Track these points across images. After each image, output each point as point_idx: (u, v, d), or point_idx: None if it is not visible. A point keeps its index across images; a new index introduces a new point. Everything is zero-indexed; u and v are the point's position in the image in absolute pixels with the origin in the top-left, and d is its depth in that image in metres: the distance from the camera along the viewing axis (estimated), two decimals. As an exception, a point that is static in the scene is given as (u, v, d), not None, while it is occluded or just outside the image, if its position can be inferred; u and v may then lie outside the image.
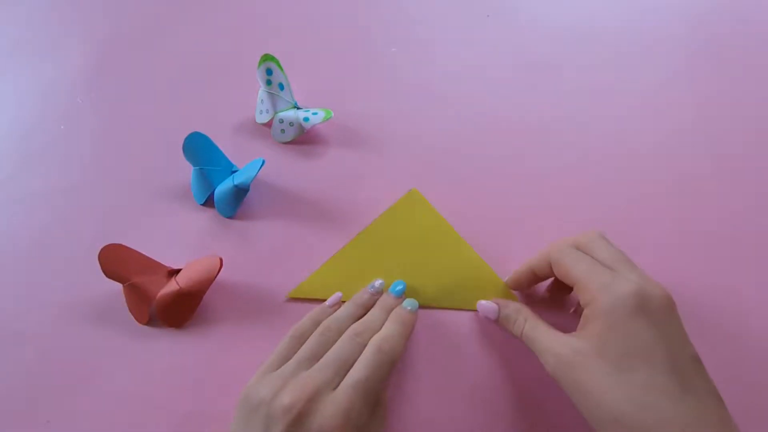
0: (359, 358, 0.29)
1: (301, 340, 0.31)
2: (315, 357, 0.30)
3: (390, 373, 0.29)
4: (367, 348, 0.29)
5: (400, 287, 0.34)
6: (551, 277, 0.31)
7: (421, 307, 0.35)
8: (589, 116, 0.44)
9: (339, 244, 0.38)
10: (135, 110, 0.49)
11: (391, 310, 0.33)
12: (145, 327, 0.36)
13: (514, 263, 0.35)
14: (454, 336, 0.35)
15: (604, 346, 0.25)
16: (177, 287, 0.35)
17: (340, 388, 0.27)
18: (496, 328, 0.34)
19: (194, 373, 0.34)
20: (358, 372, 0.28)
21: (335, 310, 0.34)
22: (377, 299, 0.34)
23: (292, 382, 0.28)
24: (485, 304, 0.33)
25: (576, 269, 0.28)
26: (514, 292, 0.35)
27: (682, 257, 0.37)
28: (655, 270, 0.36)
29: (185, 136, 0.41)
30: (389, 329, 0.31)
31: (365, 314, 0.33)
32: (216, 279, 0.36)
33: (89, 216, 0.43)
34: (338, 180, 0.42)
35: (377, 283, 0.35)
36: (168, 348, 0.35)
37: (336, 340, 0.31)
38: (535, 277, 0.32)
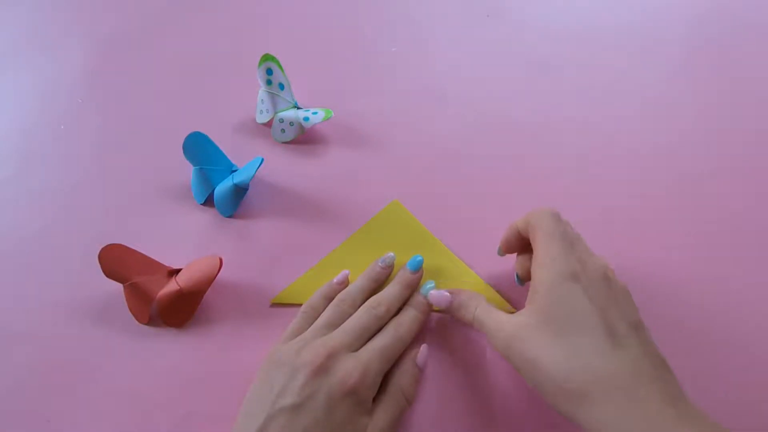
0: (380, 333, 0.31)
1: (314, 314, 0.33)
2: (332, 325, 0.32)
3: (400, 353, 0.31)
4: (386, 326, 0.32)
5: (419, 258, 0.35)
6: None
7: None
8: (589, 116, 0.45)
9: (338, 244, 0.38)
10: (135, 110, 0.49)
11: (408, 284, 0.34)
12: (146, 327, 0.36)
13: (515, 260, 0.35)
14: (444, 340, 0.35)
15: (546, 317, 0.26)
16: (177, 287, 0.35)
17: (362, 349, 0.30)
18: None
19: (194, 373, 0.34)
20: (379, 341, 0.31)
21: (343, 287, 0.35)
22: (388, 273, 0.36)
23: (312, 342, 0.30)
24: (436, 294, 0.33)
25: (536, 235, 0.29)
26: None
27: (682, 257, 0.36)
28: (655, 269, 0.36)
29: (185, 136, 0.41)
30: (408, 313, 0.33)
31: (377, 288, 0.35)
32: (216, 279, 0.36)
33: (89, 216, 0.42)
34: (338, 180, 0.42)
35: (388, 256, 0.36)
36: (168, 348, 0.35)
37: (351, 313, 0.33)
38: (521, 239, 0.32)
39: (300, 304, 0.35)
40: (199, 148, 0.42)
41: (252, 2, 0.57)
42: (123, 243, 0.37)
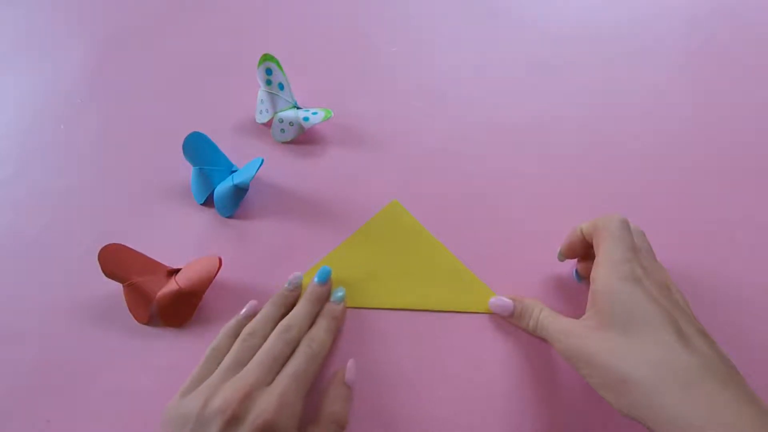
0: (293, 356, 0.30)
1: (220, 356, 0.31)
2: (241, 363, 0.29)
3: (321, 367, 0.31)
4: (299, 347, 0.30)
5: (326, 269, 0.35)
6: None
7: (408, 309, 0.35)
8: (588, 116, 0.44)
9: (338, 244, 0.38)
10: (135, 110, 0.49)
11: (317, 298, 0.34)
12: (145, 327, 0.36)
13: (516, 261, 0.35)
14: (440, 338, 0.35)
15: (609, 318, 0.26)
16: (177, 287, 0.35)
17: (276, 381, 0.28)
18: (486, 331, 0.34)
19: (194, 372, 0.34)
20: (291, 365, 0.29)
21: (250, 321, 0.33)
22: (297, 296, 0.35)
23: (222, 387, 0.27)
24: (499, 301, 0.33)
25: (599, 238, 0.29)
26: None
27: (682, 256, 0.36)
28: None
29: (185, 136, 0.41)
30: (319, 325, 0.32)
31: (286, 313, 0.33)
32: (215, 279, 0.36)
33: (89, 216, 0.43)
34: (338, 180, 0.42)
35: (293, 277, 0.35)
36: (168, 348, 0.35)
37: (260, 345, 0.31)
38: (584, 243, 0.32)
39: None
40: (199, 148, 0.42)
41: (252, 2, 0.57)
42: (123, 243, 0.37)
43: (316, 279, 0.35)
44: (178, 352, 0.35)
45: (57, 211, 0.43)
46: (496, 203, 0.40)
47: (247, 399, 0.26)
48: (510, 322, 0.34)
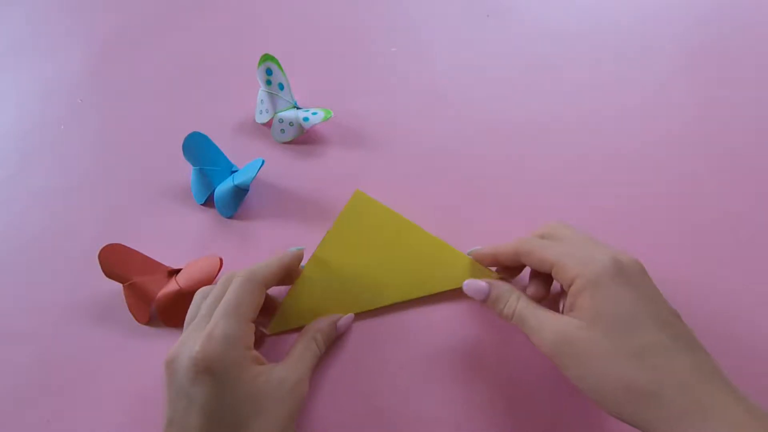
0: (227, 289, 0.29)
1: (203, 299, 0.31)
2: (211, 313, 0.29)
3: (260, 299, 0.29)
4: (227, 277, 0.30)
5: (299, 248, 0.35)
6: (515, 265, 0.32)
7: (401, 306, 0.35)
8: (588, 116, 0.44)
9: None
10: (135, 110, 0.49)
11: (285, 256, 0.33)
12: (146, 327, 0.36)
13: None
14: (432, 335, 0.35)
15: (595, 317, 0.25)
16: (177, 287, 0.35)
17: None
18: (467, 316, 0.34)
19: (194, 373, 0.34)
20: (222, 303, 0.28)
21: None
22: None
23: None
24: (473, 284, 0.31)
25: (549, 252, 0.28)
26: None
27: (682, 256, 0.36)
28: (654, 268, 0.36)
29: (185, 136, 0.41)
30: (257, 265, 0.31)
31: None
32: (216, 279, 0.36)
33: (89, 216, 0.43)
34: (338, 180, 0.42)
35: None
36: (168, 347, 0.35)
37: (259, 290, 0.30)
38: (496, 262, 0.33)
39: (299, 328, 0.34)
40: (199, 149, 0.42)
41: (252, 2, 0.57)
42: (123, 243, 0.37)
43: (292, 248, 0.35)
44: (178, 352, 0.35)
45: (57, 211, 0.43)
46: (496, 203, 0.40)
47: (178, 346, 0.27)
48: (485, 306, 0.31)
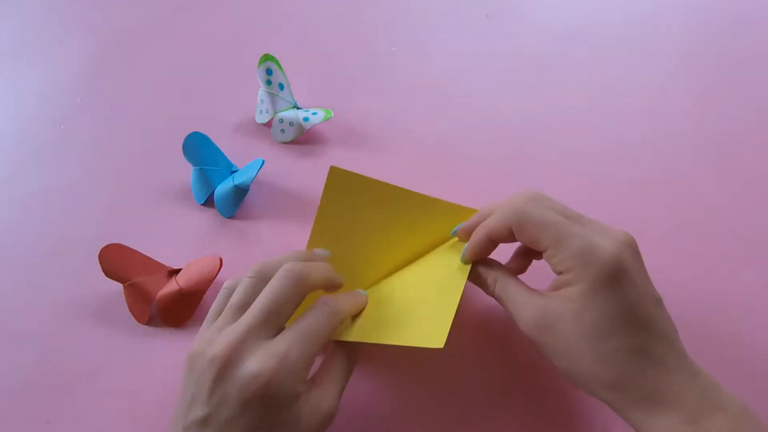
0: (307, 312, 0.27)
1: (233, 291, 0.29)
2: (245, 306, 0.27)
3: (333, 330, 0.27)
4: (316, 304, 0.27)
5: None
6: (509, 241, 0.29)
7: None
8: (588, 116, 0.44)
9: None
10: (135, 110, 0.49)
11: (316, 254, 0.31)
12: (146, 326, 0.36)
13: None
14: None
15: (580, 313, 0.25)
16: (177, 287, 0.35)
17: (279, 336, 0.26)
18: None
19: (194, 373, 0.34)
20: (303, 321, 0.26)
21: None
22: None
23: (223, 332, 0.26)
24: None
25: (546, 233, 0.26)
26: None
27: (681, 256, 0.36)
28: (653, 268, 0.36)
29: (185, 136, 0.41)
30: (340, 295, 0.29)
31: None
32: (216, 279, 0.36)
33: (89, 216, 0.42)
34: (338, 180, 0.42)
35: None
36: (168, 347, 0.35)
37: None
38: (493, 245, 0.29)
39: None
40: (199, 149, 0.42)
41: (252, 2, 0.57)
42: (123, 243, 0.37)
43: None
44: (178, 352, 0.35)
45: (57, 211, 0.43)
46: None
47: (240, 347, 0.25)
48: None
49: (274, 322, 0.26)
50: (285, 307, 0.26)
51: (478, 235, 0.29)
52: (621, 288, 0.24)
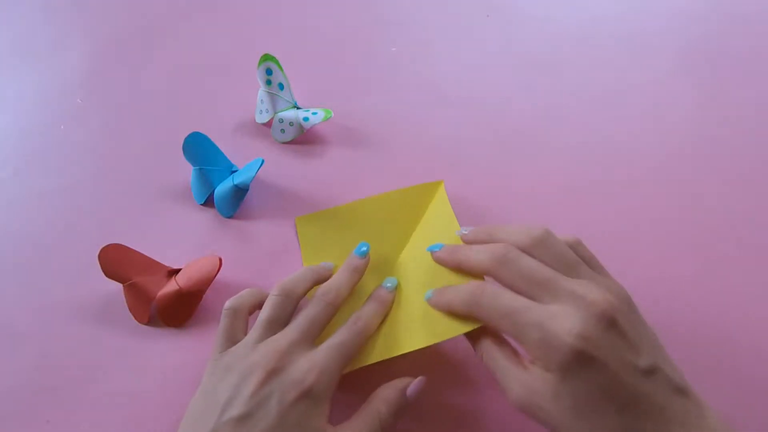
0: (340, 329, 0.30)
1: (243, 316, 0.31)
2: (277, 322, 0.30)
3: (360, 348, 0.30)
4: (347, 322, 0.30)
5: (364, 248, 0.34)
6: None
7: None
8: (588, 116, 0.45)
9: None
10: (135, 110, 0.49)
11: (355, 268, 0.33)
12: (146, 327, 0.36)
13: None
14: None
15: (559, 395, 0.24)
16: (177, 287, 0.35)
17: (318, 348, 0.28)
18: None
19: (194, 372, 0.34)
20: (336, 337, 0.29)
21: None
22: (329, 275, 0.33)
23: (263, 343, 0.28)
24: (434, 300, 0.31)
25: (501, 327, 0.26)
26: None
27: (681, 255, 0.36)
28: (653, 268, 0.36)
29: (185, 136, 0.41)
30: (368, 306, 0.32)
31: (319, 283, 0.33)
32: (216, 279, 0.36)
33: (89, 216, 0.43)
34: (338, 180, 0.42)
35: (329, 265, 0.34)
36: (168, 348, 0.35)
37: (294, 304, 0.31)
38: (450, 311, 0.30)
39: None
40: (199, 148, 0.42)
41: (252, 2, 0.57)
42: (123, 243, 0.37)
43: (355, 251, 0.34)
44: (178, 352, 0.35)
45: (57, 211, 0.43)
46: (496, 203, 0.40)
47: (285, 358, 0.27)
48: None
49: (311, 338, 0.29)
50: (320, 325, 0.30)
51: (437, 297, 0.30)
52: (588, 372, 0.24)
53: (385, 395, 0.28)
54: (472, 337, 0.29)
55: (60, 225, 0.42)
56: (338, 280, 0.32)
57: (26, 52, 0.56)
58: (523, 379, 0.25)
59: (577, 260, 0.27)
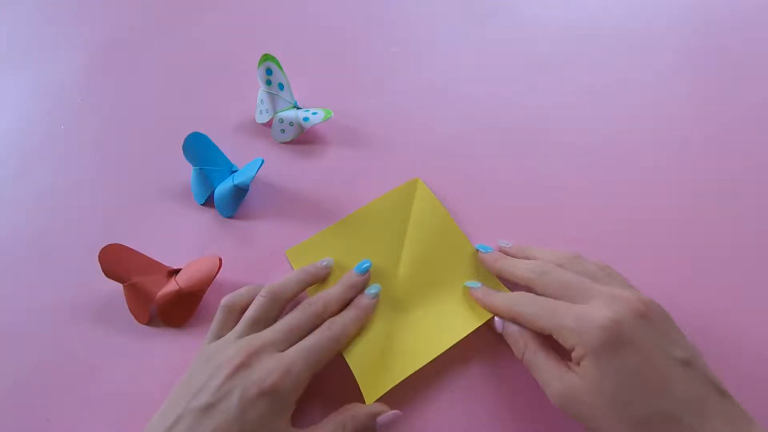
0: (313, 332, 0.30)
1: (236, 311, 0.32)
2: (260, 322, 0.31)
3: (333, 354, 0.30)
4: (321, 326, 0.31)
5: (365, 265, 0.35)
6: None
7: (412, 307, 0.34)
8: (588, 116, 0.44)
9: (339, 244, 0.38)
10: (135, 110, 0.49)
11: (351, 285, 0.34)
12: (146, 327, 0.36)
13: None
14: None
15: (598, 386, 0.25)
16: (177, 287, 0.35)
17: (288, 350, 0.29)
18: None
19: (194, 373, 0.34)
20: (308, 339, 0.30)
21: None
22: (327, 273, 0.35)
23: (241, 339, 0.30)
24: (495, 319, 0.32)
25: (543, 323, 0.28)
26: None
27: (682, 255, 0.36)
28: (653, 268, 0.36)
29: (185, 136, 0.41)
30: (347, 313, 0.32)
31: (311, 284, 0.35)
32: (215, 279, 0.36)
33: (89, 216, 0.43)
34: (338, 180, 0.42)
35: (329, 262, 0.36)
36: (168, 347, 0.35)
37: (279, 306, 0.32)
38: (492, 311, 0.32)
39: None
40: (199, 149, 0.42)
41: (252, 2, 0.57)
42: (123, 243, 0.37)
43: (356, 268, 0.35)
44: (178, 352, 0.35)
45: (57, 211, 0.43)
46: (496, 203, 0.40)
47: (254, 355, 0.28)
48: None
49: (287, 342, 0.30)
50: (299, 332, 0.30)
51: (481, 293, 0.33)
52: (623, 354, 0.25)
53: (356, 413, 0.29)
54: (516, 339, 0.30)
55: (60, 225, 0.42)
56: (330, 292, 0.33)
57: (26, 53, 0.56)
58: (564, 378, 0.26)
59: (608, 275, 0.30)
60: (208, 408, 0.27)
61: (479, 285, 0.34)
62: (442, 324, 0.33)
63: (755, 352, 0.32)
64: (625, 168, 0.41)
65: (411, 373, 0.31)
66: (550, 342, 0.28)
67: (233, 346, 0.29)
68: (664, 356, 0.25)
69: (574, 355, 0.26)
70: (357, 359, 0.31)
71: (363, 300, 0.33)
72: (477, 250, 0.36)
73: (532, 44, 0.50)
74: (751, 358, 0.32)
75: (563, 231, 0.38)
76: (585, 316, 0.26)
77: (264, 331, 0.30)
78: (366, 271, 0.35)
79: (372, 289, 0.34)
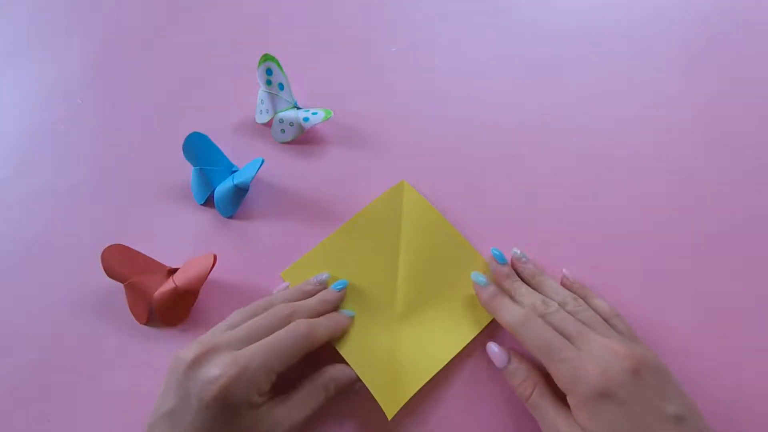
0: (277, 331, 0.29)
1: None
2: (233, 327, 0.30)
3: (299, 356, 0.29)
4: (287, 326, 0.30)
5: (340, 285, 0.35)
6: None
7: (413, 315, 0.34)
8: (588, 117, 0.44)
9: (339, 244, 0.38)
10: (135, 110, 0.49)
11: (326, 299, 0.34)
12: (145, 326, 0.36)
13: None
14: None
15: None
16: (173, 285, 0.35)
17: (246, 348, 0.28)
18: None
19: (194, 372, 0.34)
20: (268, 338, 0.29)
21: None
22: (319, 290, 0.35)
23: (201, 337, 0.30)
24: (495, 349, 0.31)
25: (539, 357, 0.28)
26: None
27: (682, 257, 0.36)
28: (653, 269, 0.36)
29: (185, 136, 0.41)
30: (320, 320, 0.32)
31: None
32: (215, 278, 0.36)
33: (89, 216, 0.43)
34: (338, 180, 0.42)
35: (323, 276, 0.36)
36: (168, 347, 0.35)
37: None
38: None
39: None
40: (199, 149, 0.42)
41: (252, 2, 0.57)
42: (123, 243, 0.37)
43: (334, 285, 0.35)
44: (178, 352, 0.35)
45: (57, 211, 0.43)
46: (496, 204, 0.40)
47: (210, 352, 0.27)
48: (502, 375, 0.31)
49: (250, 340, 0.29)
50: (265, 332, 0.29)
51: (491, 306, 0.32)
52: (610, 410, 0.25)
53: (336, 375, 0.30)
54: (520, 383, 0.29)
55: (60, 225, 0.42)
56: (303, 303, 0.33)
57: (26, 53, 0.56)
58: (565, 424, 0.26)
59: (608, 327, 0.29)
60: (172, 413, 0.26)
61: (485, 281, 0.33)
62: (450, 327, 0.33)
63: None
64: (625, 168, 0.41)
65: (427, 380, 0.31)
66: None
67: (192, 344, 0.28)
68: (657, 415, 0.25)
69: (569, 400, 0.26)
70: (371, 375, 0.31)
71: (340, 317, 0.33)
72: (474, 249, 0.36)
73: (533, 44, 0.50)
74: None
75: (563, 232, 0.38)
76: (579, 366, 0.26)
77: (228, 331, 0.30)
78: (340, 290, 0.35)
79: (348, 312, 0.34)
